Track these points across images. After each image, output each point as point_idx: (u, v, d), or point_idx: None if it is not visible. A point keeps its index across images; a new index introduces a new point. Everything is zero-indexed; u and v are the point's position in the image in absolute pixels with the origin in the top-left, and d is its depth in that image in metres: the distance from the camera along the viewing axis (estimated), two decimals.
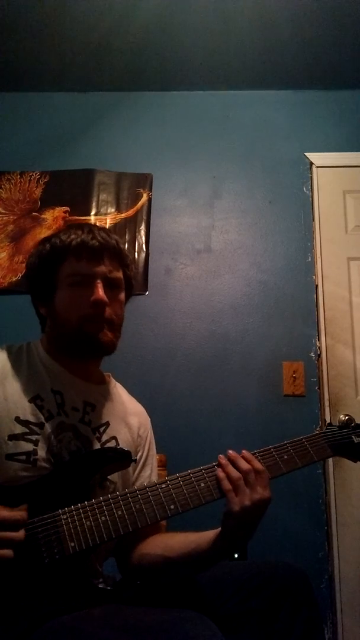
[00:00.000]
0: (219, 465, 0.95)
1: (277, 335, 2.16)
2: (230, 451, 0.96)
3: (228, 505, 0.91)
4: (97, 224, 2.25)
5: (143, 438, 1.18)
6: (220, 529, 0.94)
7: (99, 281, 1.03)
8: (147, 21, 2.13)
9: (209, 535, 0.96)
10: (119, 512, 0.88)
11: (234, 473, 0.92)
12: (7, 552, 0.77)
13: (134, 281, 1.19)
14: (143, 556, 1.05)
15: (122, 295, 1.11)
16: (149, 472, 1.16)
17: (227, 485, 0.92)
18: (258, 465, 0.94)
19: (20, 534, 0.80)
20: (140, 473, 1.14)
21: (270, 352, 2.14)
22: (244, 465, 0.93)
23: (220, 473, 0.93)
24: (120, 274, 1.09)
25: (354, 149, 2.38)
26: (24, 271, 2.25)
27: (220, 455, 0.96)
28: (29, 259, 1.12)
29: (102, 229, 1.11)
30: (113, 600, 0.85)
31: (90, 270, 1.04)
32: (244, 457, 0.95)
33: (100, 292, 1.02)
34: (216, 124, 2.48)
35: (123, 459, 0.98)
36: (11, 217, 2.35)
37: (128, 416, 1.16)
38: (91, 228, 1.08)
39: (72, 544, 0.84)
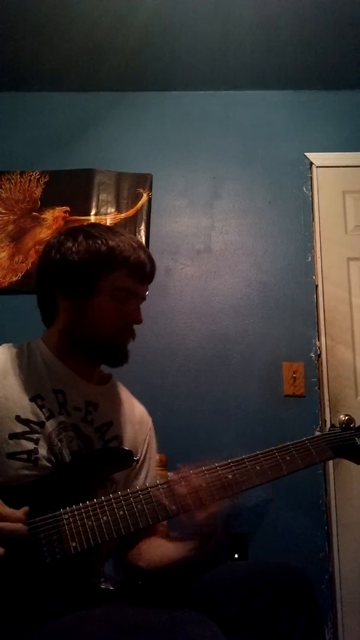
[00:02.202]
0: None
1: (277, 335, 2.16)
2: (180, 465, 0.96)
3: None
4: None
5: (143, 437, 1.18)
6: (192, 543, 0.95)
7: (140, 303, 1.11)
8: (147, 21, 2.12)
9: (185, 548, 0.97)
10: (121, 512, 0.88)
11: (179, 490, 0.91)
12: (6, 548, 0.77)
13: None
14: (140, 557, 1.05)
15: None
16: (144, 474, 1.15)
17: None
18: (194, 482, 0.92)
19: (24, 528, 0.80)
20: (140, 471, 1.14)
21: (270, 352, 2.14)
22: (183, 488, 0.92)
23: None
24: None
25: (354, 149, 2.37)
26: (24, 271, 2.25)
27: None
28: (72, 245, 1.05)
29: (145, 247, 1.15)
30: (114, 600, 0.85)
31: (137, 291, 1.09)
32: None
33: (141, 315, 1.10)
34: (216, 124, 2.48)
35: (124, 458, 0.98)
36: (11, 217, 2.35)
37: (129, 415, 1.16)
38: (142, 245, 1.12)
39: (74, 544, 0.84)
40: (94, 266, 1.04)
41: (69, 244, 1.06)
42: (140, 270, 1.08)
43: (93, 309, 1.05)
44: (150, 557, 1.03)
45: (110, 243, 1.05)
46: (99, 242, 1.05)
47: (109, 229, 1.12)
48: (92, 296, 1.05)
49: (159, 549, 1.04)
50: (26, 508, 0.82)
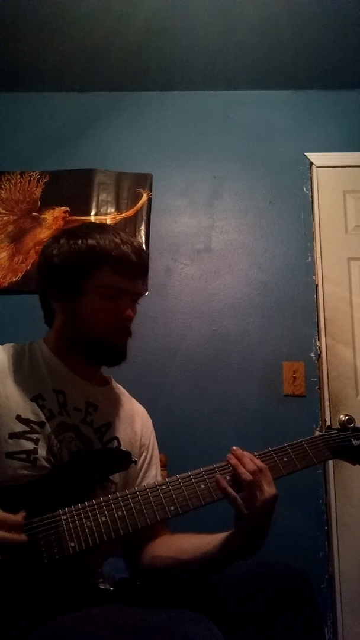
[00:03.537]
0: (229, 465, 0.95)
1: (277, 335, 2.16)
2: (235, 448, 0.97)
3: (237, 508, 0.91)
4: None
5: (146, 439, 1.18)
6: (233, 531, 0.95)
7: (131, 300, 1.07)
8: (147, 21, 2.12)
9: (222, 537, 0.97)
10: (119, 513, 0.88)
11: (245, 475, 0.92)
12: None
13: None
14: (155, 558, 1.05)
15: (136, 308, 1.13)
16: (154, 472, 1.16)
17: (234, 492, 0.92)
18: (260, 463, 0.94)
19: (23, 538, 0.80)
20: (146, 473, 1.14)
21: (270, 352, 2.14)
22: (251, 465, 0.93)
23: (222, 482, 0.93)
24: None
25: (354, 149, 2.37)
26: (24, 271, 2.25)
27: (230, 455, 0.96)
28: (55, 248, 1.06)
29: (135, 240, 1.10)
30: (113, 600, 0.85)
31: (127, 287, 1.05)
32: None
33: (132, 311, 1.06)
34: (216, 124, 2.48)
35: (123, 459, 0.98)
36: (11, 217, 2.35)
37: (129, 417, 1.16)
38: (129, 239, 1.07)
39: (72, 544, 0.84)
40: (77, 266, 1.04)
41: (53, 247, 1.07)
42: (124, 265, 1.04)
43: (84, 309, 1.04)
44: (168, 556, 1.02)
45: (90, 241, 1.03)
46: (80, 242, 1.04)
47: (98, 227, 1.10)
48: (80, 296, 1.04)
49: (189, 540, 1.03)
50: (24, 513, 0.82)
